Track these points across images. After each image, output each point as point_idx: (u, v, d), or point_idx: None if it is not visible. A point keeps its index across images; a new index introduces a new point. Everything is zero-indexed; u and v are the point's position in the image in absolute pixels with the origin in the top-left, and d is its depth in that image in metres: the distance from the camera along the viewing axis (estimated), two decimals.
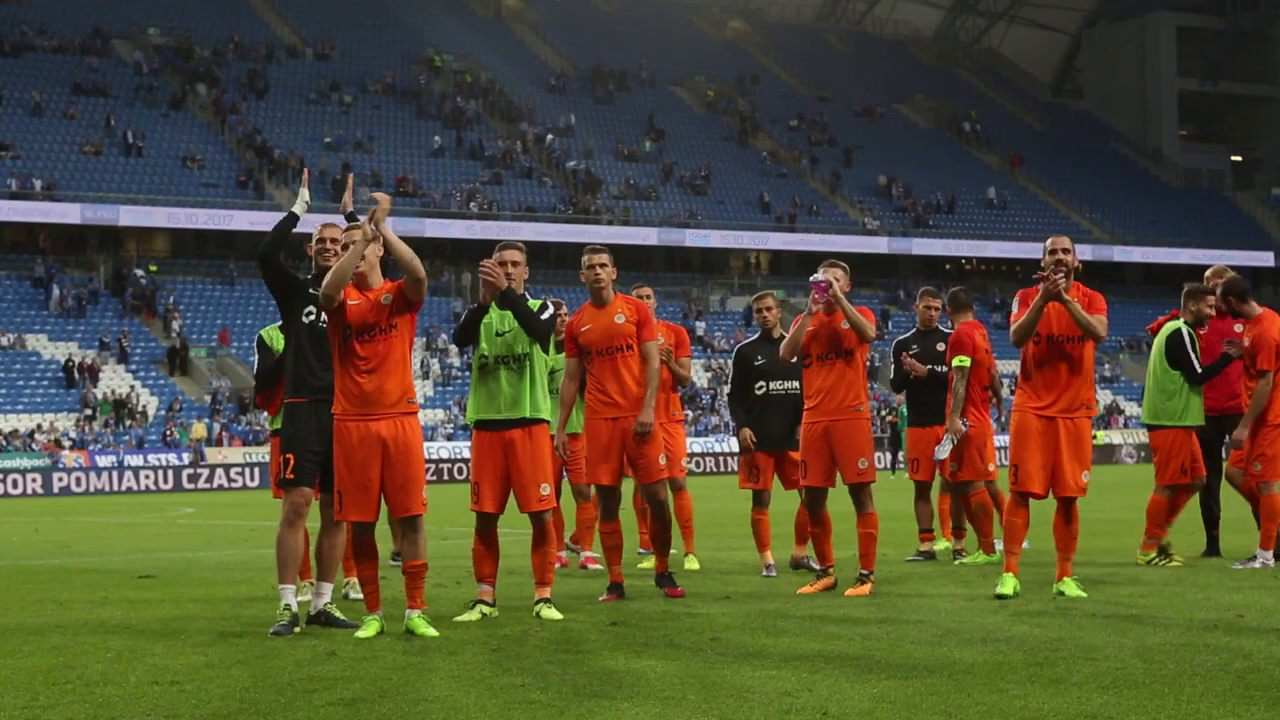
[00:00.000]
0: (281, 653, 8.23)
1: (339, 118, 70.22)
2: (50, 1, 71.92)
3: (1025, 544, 13.81)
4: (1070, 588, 10.25)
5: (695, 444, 53.81)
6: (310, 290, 9.37)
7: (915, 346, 13.58)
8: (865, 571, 10.86)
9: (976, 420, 12.98)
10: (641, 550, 13.86)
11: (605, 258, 10.73)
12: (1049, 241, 10.41)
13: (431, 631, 8.80)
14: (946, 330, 13.56)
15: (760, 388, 12.25)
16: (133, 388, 54.40)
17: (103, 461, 49.40)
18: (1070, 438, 10.31)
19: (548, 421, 9.83)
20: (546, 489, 9.69)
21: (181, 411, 53.64)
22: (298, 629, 9.07)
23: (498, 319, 9.73)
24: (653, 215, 69.41)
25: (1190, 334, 12.40)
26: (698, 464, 52.06)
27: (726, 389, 12.39)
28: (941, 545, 13.91)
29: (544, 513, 9.74)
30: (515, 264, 9.73)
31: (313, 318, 9.30)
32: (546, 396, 9.86)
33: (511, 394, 9.65)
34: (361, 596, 10.76)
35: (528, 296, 9.82)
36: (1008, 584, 10.30)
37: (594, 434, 10.69)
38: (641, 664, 7.59)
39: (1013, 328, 10.41)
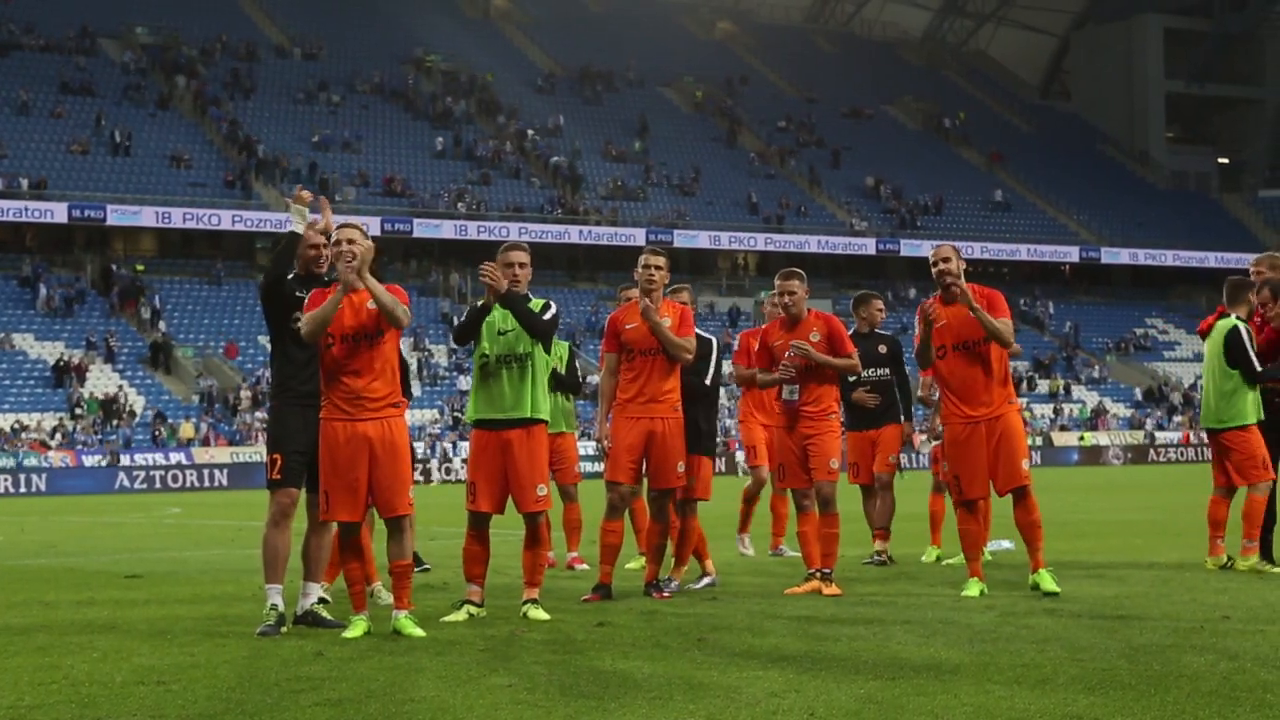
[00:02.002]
0: (268, 653, 8.22)
1: (327, 117, 70.15)
2: (37, 0, 71.77)
3: (1009, 544, 13.87)
4: (1045, 580, 10.33)
5: None
6: (297, 294, 9.34)
7: (857, 349, 13.01)
8: (827, 570, 10.98)
9: None
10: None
11: (663, 260, 10.87)
12: (932, 254, 10.55)
13: (418, 632, 8.79)
14: (883, 333, 13.38)
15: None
16: (120, 387, 54.28)
17: (90, 461, 49.31)
18: (1000, 434, 10.43)
19: (547, 422, 9.84)
20: (543, 489, 9.70)
21: (168, 413, 53.51)
22: (284, 629, 9.06)
23: (500, 318, 9.73)
24: (640, 216, 69.46)
25: (1248, 330, 11.89)
26: None
27: None
28: (933, 555, 13.73)
29: (538, 513, 9.75)
30: (522, 265, 9.79)
31: (300, 323, 9.27)
32: (547, 397, 9.86)
33: (513, 394, 9.66)
34: (389, 600, 10.80)
35: (530, 296, 9.84)
36: (973, 588, 10.39)
37: (621, 432, 10.72)
38: (629, 664, 7.59)
39: (917, 354, 10.67)
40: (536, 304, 9.77)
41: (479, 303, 9.78)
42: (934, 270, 10.48)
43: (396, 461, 8.94)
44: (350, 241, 8.96)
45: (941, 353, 10.47)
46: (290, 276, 9.54)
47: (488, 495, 9.68)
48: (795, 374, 11.01)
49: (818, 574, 10.97)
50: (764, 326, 11.56)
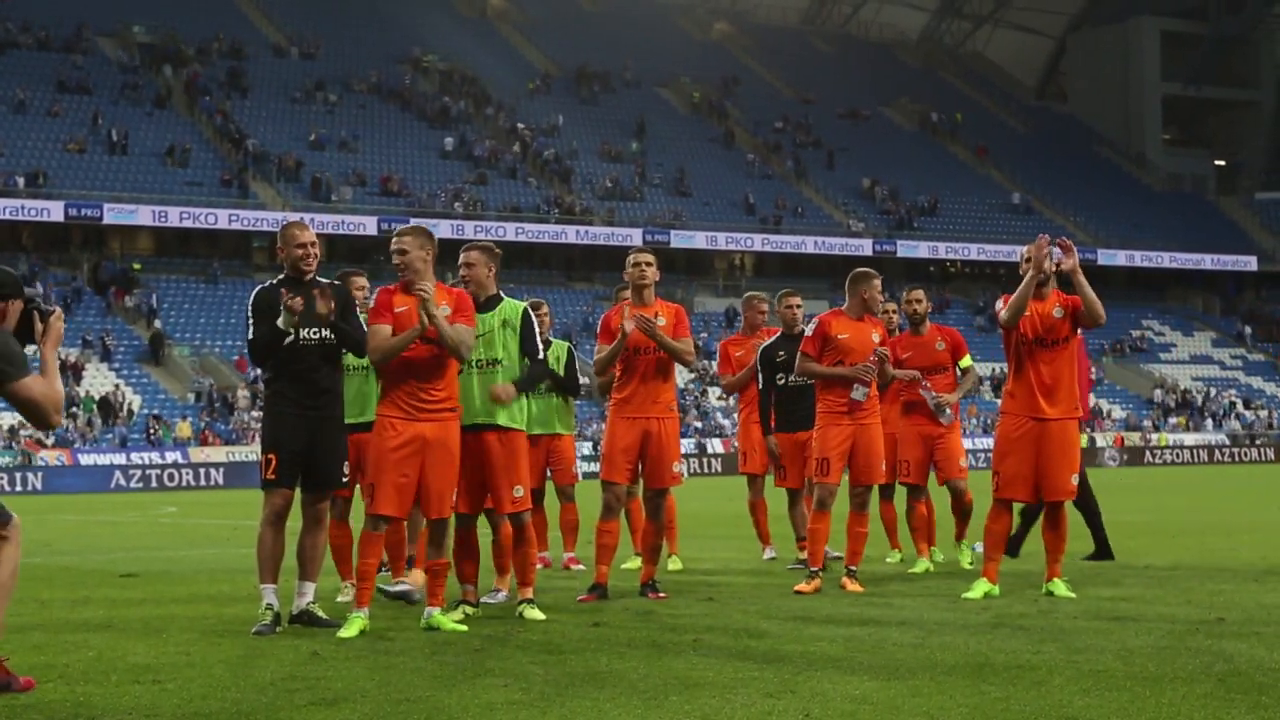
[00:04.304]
0: (264, 652, 8.22)
1: (324, 116, 70.10)
2: None
3: None
4: (1059, 588, 10.36)
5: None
6: (285, 303, 9.25)
7: (783, 352, 12.58)
8: (853, 568, 11.15)
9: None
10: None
11: (651, 257, 10.87)
12: (1024, 250, 10.54)
13: (459, 626, 8.92)
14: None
15: None
16: (117, 386, 54.25)
17: (85, 460, 49.26)
18: (1059, 441, 10.37)
19: (522, 430, 9.75)
20: (520, 490, 9.64)
21: (163, 412, 53.48)
22: (280, 628, 9.06)
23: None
24: (637, 216, 69.43)
25: None
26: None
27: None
28: (895, 558, 13.66)
29: (521, 514, 9.72)
30: (469, 266, 9.73)
31: (291, 338, 9.21)
32: (523, 404, 9.77)
33: (484, 400, 9.60)
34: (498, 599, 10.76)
35: (502, 296, 9.72)
36: (979, 589, 10.37)
37: (617, 432, 10.70)
38: (624, 664, 7.59)
39: (1006, 307, 10.34)
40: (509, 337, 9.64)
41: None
42: (1026, 266, 10.36)
43: (448, 465, 9.12)
44: (403, 252, 9.09)
45: (1023, 341, 10.40)
46: (280, 279, 9.50)
47: (465, 497, 9.65)
48: (870, 378, 11.02)
49: (819, 573, 11.01)
50: (821, 316, 11.34)
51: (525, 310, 9.78)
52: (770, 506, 14.15)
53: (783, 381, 12.71)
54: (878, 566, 13.03)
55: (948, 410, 12.40)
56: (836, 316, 11.24)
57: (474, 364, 9.64)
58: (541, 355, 9.77)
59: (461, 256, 9.79)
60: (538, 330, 9.82)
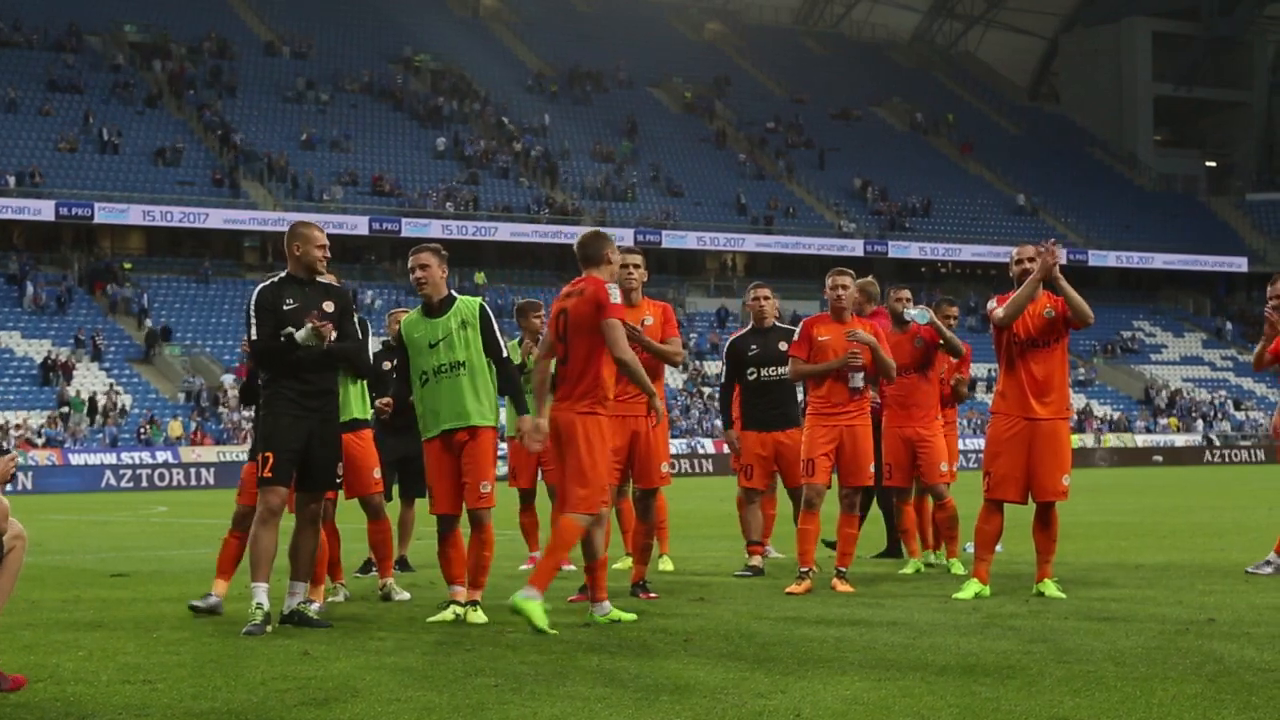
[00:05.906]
0: (254, 652, 8.21)
1: (315, 116, 70.07)
2: None
3: (998, 547, 13.84)
4: (1050, 589, 10.36)
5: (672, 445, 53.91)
6: (286, 303, 9.22)
7: (755, 347, 12.27)
8: (843, 569, 11.15)
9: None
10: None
11: (640, 259, 10.92)
12: (1015, 252, 10.51)
13: (627, 615, 9.15)
14: (786, 327, 12.45)
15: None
16: (110, 385, 54.17)
17: (76, 459, 49.18)
18: (1049, 441, 10.36)
19: (493, 426, 9.64)
20: (487, 486, 9.51)
21: (154, 412, 53.43)
22: (270, 628, 9.05)
23: (429, 330, 9.57)
24: (629, 216, 69.42)
25: None
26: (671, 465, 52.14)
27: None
28: (913, 567, 13.66)
29: (482, 509, 9.53)
30: (425, 267, 9.54)
31: (289, 337, 9.16)
32: (490, 401, 9.62)
33: (453, 404, 9.49)
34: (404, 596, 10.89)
35: (454, 296, 9.65)
36: (969, 589, 10.37)
37: (606, 432, 10.65)
38: (615, 664, 7.59)
39: (1004, 306, 10.33)
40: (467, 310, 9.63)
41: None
42: (1018, 269, 10.36)
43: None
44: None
45: (1015, 339, 10.37)
46: (282, 277, 9.46)
47: (444, 498, 9.60)
48: (861, 362, 11.01)
49: (809, 573, 11.00)
50: (808, 319, 11.39)
51: (482, 307, 9.62)
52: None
53: (754, 377, 12.31)
54: (868, 567, 13.06)
55: (916, 314, 12.16)
56: (819, 320, 11.31)
57: (436, 370, 9.51)
58: (505, 353, 9.61)
59: (412, 259, 9.59)
60: (495, 326, 9.65)
